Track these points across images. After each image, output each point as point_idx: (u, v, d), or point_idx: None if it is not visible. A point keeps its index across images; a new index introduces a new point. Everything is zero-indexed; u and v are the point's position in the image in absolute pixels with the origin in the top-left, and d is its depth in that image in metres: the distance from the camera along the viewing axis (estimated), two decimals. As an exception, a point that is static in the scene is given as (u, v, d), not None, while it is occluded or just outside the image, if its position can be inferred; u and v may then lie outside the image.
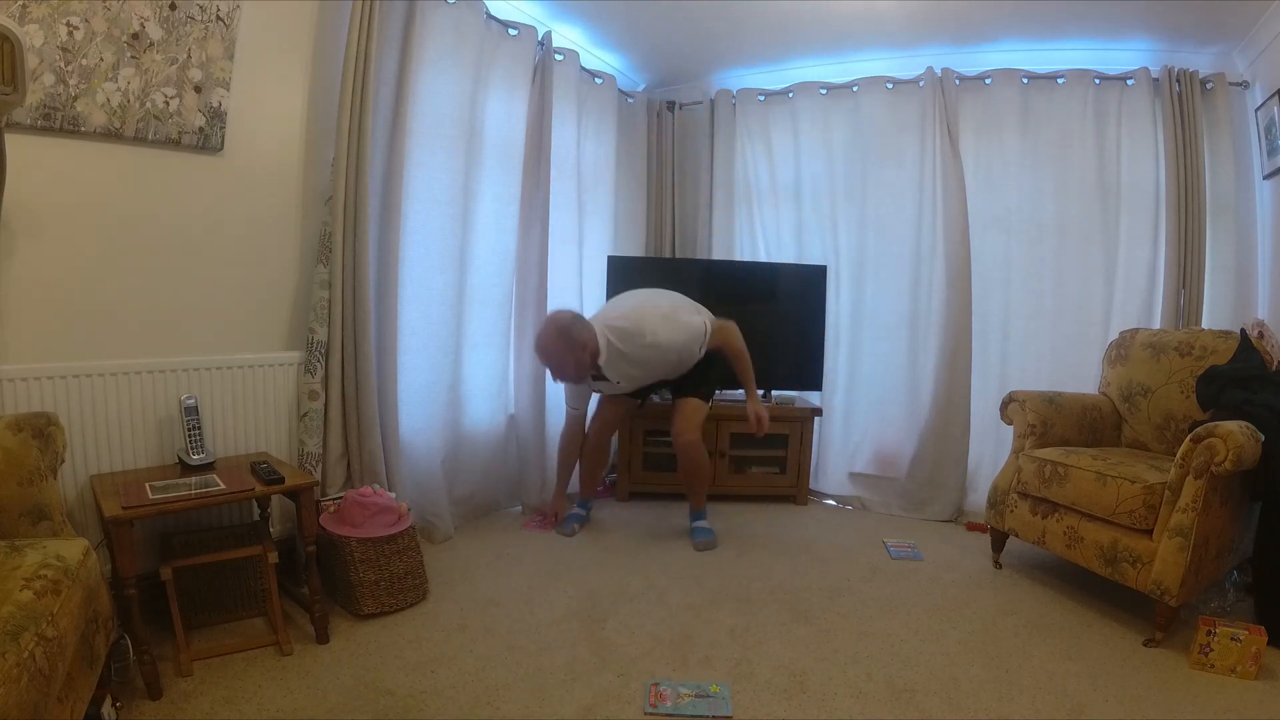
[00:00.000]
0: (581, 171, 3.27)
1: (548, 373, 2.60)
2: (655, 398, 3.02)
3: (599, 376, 2.58)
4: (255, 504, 2.12)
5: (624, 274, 3.26)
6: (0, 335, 1.74)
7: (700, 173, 3.70)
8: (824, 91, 3.39)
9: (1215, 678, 1.78)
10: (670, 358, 2.55)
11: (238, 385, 2.17)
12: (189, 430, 1.96)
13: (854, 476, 3.39)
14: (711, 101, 3.63)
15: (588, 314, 3.31)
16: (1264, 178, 2.85)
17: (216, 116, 2.08)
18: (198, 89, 2.02)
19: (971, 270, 3.09)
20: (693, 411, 2.69)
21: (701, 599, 2.22)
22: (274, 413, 2.26)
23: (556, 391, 3.14)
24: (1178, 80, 2.88)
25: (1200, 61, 2.94)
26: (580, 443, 2.85)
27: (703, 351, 2.58)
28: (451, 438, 2.77)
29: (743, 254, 3.63)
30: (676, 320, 2.54)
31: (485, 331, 2.89)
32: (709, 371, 2.70)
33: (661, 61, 3.55)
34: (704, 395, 2.72)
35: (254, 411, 2.22)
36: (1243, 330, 2.44)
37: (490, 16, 2.72)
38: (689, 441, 2.68)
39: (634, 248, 3.69)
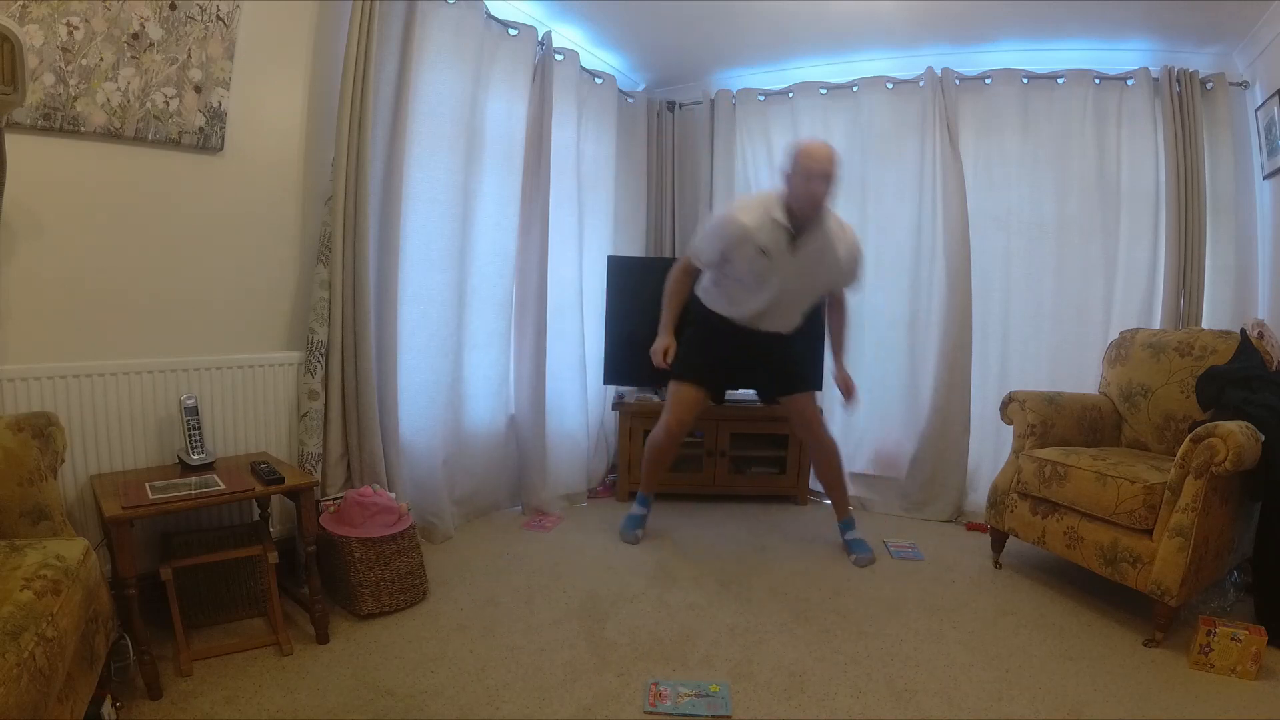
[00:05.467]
0: (581, 171, 3.27)
1: (816, 181, 2.24)
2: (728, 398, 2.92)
3: (794, 239, 2.33)
4: (255, 504, 2.12)
5: (624, 274, 3.26)
6: (0, 335, 1.74)
7: (700, 173, 3.70)
8: (824, 91, 3.39)
9: (1215, 678, 1.78)
10: (839, 278, 2.49)
11: (238, 385, 2.17)
12: (189, 430, 1.96)
13: (854, 476, 3.37)
14: (711, 101, 3.63)
15: (587, 316, 3.36)
16: (1264, 178, 2.85)
17: (216, 116, 2.08)
18: (198, 89, 2.02)
19: (971, 270, 3.09)
20: (815, 403, 2.65)
21: (701, 599, 2.22)
22: (274, 413, 2.26)
23: (557, 392, 3.16)
24: (1178, 80, 2.88)
25: (1200, 61, 2.94)
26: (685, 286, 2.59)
27: (851, 286, 2.56)
28: (451, 438, 2.77)
29: (743, 254, 3.63)
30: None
31: (485, 331, 2.88)
32: (806, 356, 2.66)
33: (661, 61, 3.55)
34: (815, 384, 2.68)
35: (254, 411, 2.22)
36: (1243, 330, 2.44)
37: (490, 16, 2.72)
38: (830, 436, 2.65)
39: (634, 248, 3.69)
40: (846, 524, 2.71)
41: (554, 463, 3.12)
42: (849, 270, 2.47)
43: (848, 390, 2.60)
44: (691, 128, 3.77)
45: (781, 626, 2.05)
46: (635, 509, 2.83)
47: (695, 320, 2.62)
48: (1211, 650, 1.81)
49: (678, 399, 2.61)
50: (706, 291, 2.58)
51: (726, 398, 2.90)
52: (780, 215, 2.32)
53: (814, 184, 2.25)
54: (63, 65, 1.77)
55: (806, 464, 3.30)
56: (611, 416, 3.53)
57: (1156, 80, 2.94)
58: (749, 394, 3.23)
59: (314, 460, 2.30)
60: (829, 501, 2.81)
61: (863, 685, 1.74)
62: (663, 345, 2.58)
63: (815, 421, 2.62)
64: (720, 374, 2.65)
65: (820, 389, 2.67)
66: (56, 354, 1.83)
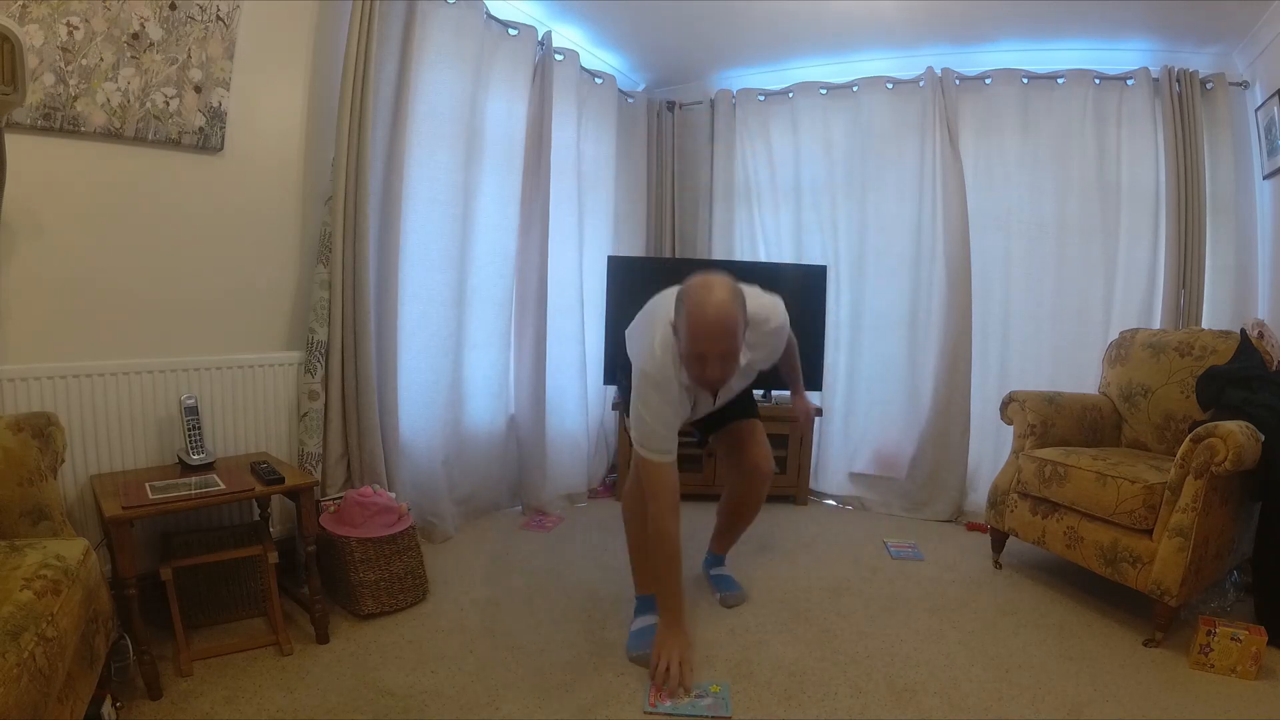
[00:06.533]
0: (581, 171, 3.27)
1: (686, 376, 1.74)
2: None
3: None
4: (255, 504, 2.12)
5: (624, 274, 3.26)
6: (0, 335, 1.74)
7: (700, 173, 3.70)
8: (824, 91, 3.39)
9: (1215, 678, 1.78)
10: (772, 351, 1.94)
11: (238, 385, 2.17)
12: (189, 430, 1.96)
13: (854, 476, 3.39)
14: (711, 101, 3.63)
15: (587, 316, 3.36)
16: (1264, 178, 2.85)
17: (216, 116, 2.08)
18: (198, 89, 2.02)
19: (971, 270, 3.09)
20: (763, 434, 2.16)
21: (701, 599, 2.22)
22: (274, 413, 2.26)
23: (557, 390, 3.15)
24: (1178, 80, 2.88)
25: (1200, 61, 2.94)
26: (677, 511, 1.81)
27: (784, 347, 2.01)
28: (451, 438, 2.77)
29: (742, 254, 3.63)
30: (773, 300, 1.90)
31: (485, 331, 2.88)
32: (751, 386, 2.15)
33: (661, 61, 3.55)
34: (757, 412, 2.21)
35: (254, 411, 2.22)
36: (1243, 330, 2.44)
37: (490, 16, 2.72)
38: (770, 470, 2.14)
39: (634, 248, 3.69)
40: (718, 560, 2.35)
41: (554, 463, 3.12)
42: (776, 347, 1.95)
43: (806, 417, 2.38)
44: (691, 128, 3.77)
45: (781, 626, 2.05)
46: (645, 620, 1.96)
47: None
48: (1211, 650, 1.81)
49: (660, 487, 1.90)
50: None
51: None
52: (685, 379, 1.78)
53: (706, 364, 1.66)
54: (63, 65, 1.77)
55: (807, 464, 3.30)
56: (611, 416, 3.53)
57: (1156, 80, 2.94)
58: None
59: (314, 460, 2.30)
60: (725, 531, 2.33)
61: (863, 685, 1.74)
62: (678, 654, 1.74)
63: (766, 454, 2.11)
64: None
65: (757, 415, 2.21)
66: (56, 354, 1.83)
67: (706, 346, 1.65)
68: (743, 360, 1.76)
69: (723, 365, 1.68)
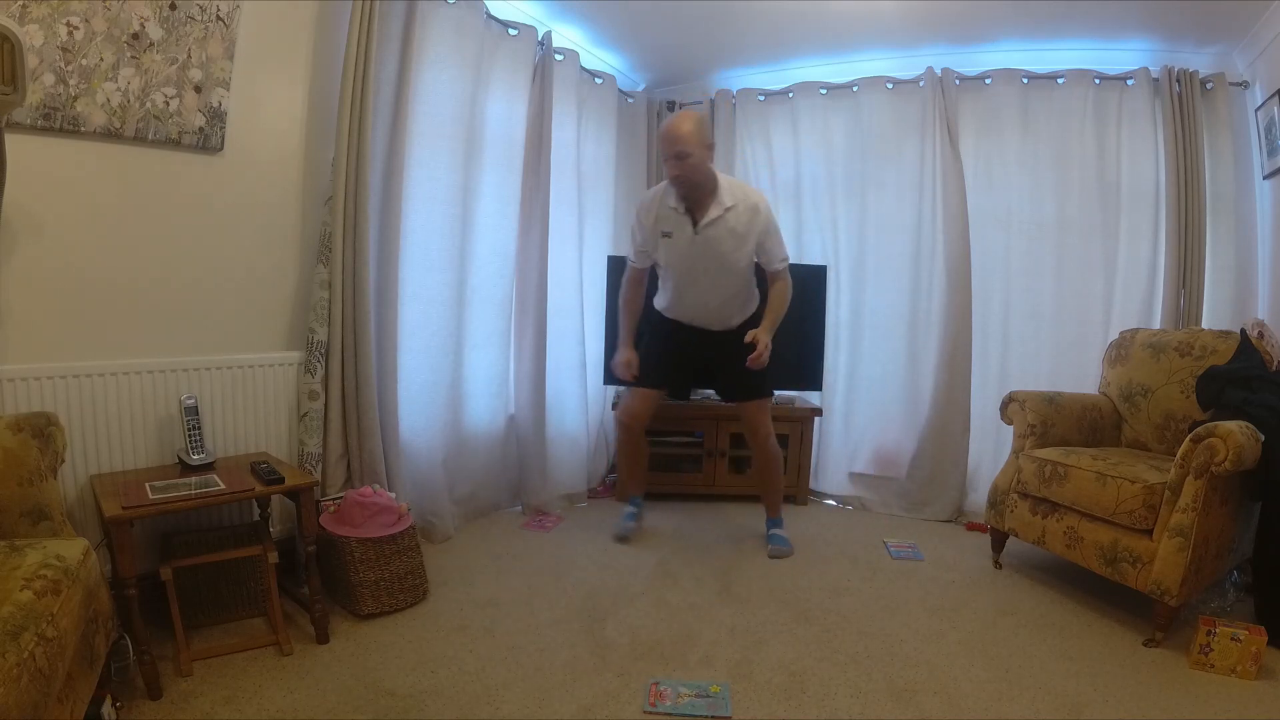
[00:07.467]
0: (581, 171, 3.27)
1: (668, 147, 2.28)
2: (696, 395, 3.18)
3: (691, 217, 2.37)
4: (255, 504, 2.12)
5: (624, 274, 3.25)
6: (0, 335, 1.74)
7: (700, 173, 3.69)
8: (824, 91, 3.39)
9: (1215, 678, 1.78)
10: (750, 246, 2.40)
11: (238, 385, 2.17)
12: (189, 430, 1.96)
13: (854, 476, 3.39)
14: (711, 101, 3.63)
15: (587, 316, 3.36)
16: (1264, 178, 2.85)
17: (216, 116, 2.08)
18: (198, 89, 2.02)
19: (971, 270, 3.09)
20: (765, 412, 2.64)
21: (701, 599, 2.22)
22: (274, 413, 2.26)
23: (557, 390, 3.15)
24: (1178, 80, 2.88)
25: (1200, 61, 2.94)
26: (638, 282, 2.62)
27: (779, 264, 2.47)
28: (451, 438, 2.77)
29: (743, 254, 3.62)
30: (759, 192, 2.49)
31: (485, 331, 2.88)
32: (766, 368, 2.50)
33: (661, 61, 3.55)
34: (769, 392, 2.66)
35: (254, 411, 2.22)
36: (1243, 330, 2.44)
37: (490, 16, 2.72)
38: (773, 446, 2.66)
39: (634, 248, 3.69)
40: (774, 522, 2.75)
41: (554, 463, 3.12)
42: (761, 234, 2.40)
43: (755, 347, 2.37)
44: (691, 128, 3.76)
45: (781, 626, 2.05)
46: (627, 509, 2.87)
47: (648, 329, 2.68)
48: (1211, 650, 1.81)
49: (632, 395, 2.70)
50: (658, 296, 2.66)
51: (703, 397, 3.21)
52: (672, 200, 2.40)
53: (668, 165, 2.32)
54: (63, 65, 1.77)
55: (807, 464, 3.30)
56: (611, 416, 3.52)
57: (1156, 80, 2.94)
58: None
59: (314, 460, 2.30)
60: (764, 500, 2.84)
61: (863, 685, 1.74)
62: (623, 358, 2.60)
63: (760, 431, 2.63)
64: (677, 374, 2.71)
65: (771, 396, 2.68)
66: (56, 354, 1.83)
67: (665, 147, 2.32)
68: (721, 186, 2.36)
69: (679, 163, 2.28)
